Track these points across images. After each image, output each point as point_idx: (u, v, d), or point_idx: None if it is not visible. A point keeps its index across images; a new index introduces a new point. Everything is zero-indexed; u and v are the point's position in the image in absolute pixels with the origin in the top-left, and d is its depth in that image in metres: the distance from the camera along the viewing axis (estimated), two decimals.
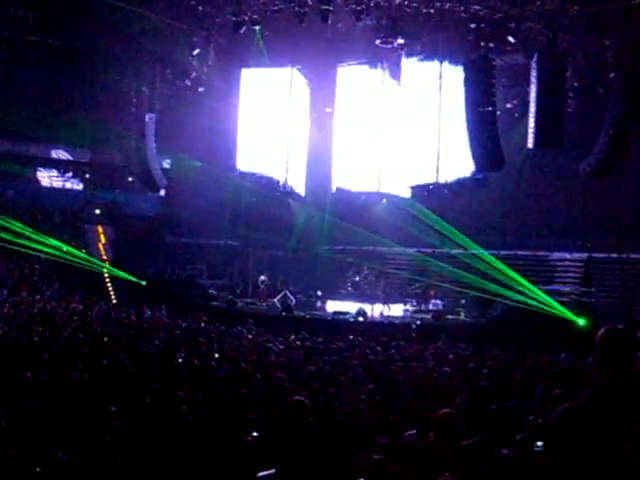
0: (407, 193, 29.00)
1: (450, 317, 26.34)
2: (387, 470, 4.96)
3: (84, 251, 33.49)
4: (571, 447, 3.18)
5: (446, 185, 26.47)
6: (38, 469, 6.00)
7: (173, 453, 6.89)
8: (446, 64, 25.56)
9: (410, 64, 27.33)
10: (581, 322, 22.28)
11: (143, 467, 6.64)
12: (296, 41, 27.88)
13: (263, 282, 30.14)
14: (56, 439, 6.97)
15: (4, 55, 30.27)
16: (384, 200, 30.18)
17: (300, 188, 31.67)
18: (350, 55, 28.95)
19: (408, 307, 27.95)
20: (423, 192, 27.98)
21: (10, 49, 29.92)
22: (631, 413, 3.52)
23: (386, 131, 29.19)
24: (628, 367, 3.81)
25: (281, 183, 30.69)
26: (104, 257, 34.93)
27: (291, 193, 31.31)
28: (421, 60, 27.00)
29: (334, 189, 31.14)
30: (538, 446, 4.31)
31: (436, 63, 25.87)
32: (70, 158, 39.76)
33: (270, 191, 31.20)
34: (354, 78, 29.77)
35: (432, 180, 26.33)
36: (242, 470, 6.59)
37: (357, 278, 29.41)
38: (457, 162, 25.26)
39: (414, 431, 7.86)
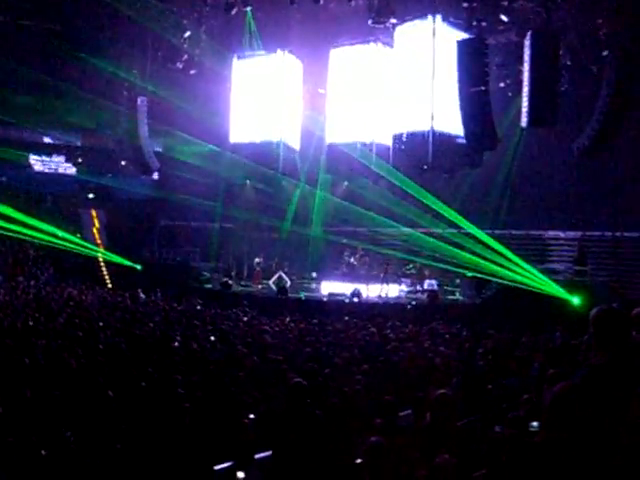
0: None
1: (445, 297, 26.46)
2: (385, 451, 4.98)
3: (78, 236, 33.47)
4: (565, 427, 3.21)
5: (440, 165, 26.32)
6: (43, 452, 6.04)
7: (171, 437, 6.92)
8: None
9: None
10: (576, 301, 22.34)
11: (141, 451, 6.67)
12: (288, 23, 27.74)
13: (258, 264, 30.20)
14: (54, 424, 7.00)
15: None
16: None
17: (294, 169, 31.51)
18: (343, 36, 28.79)
19: (403, 287, 28.02)
20: (417, 171, 27.79)
21: (0, 34, 29.71)
22: (625, 393, 3.54)
23: (379, 108, 29.01)
24: (622, 347, 3.81)
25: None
26: (98, 241, 34.93)
27: (285, 174, 31.17)
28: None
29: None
30: (534, 426, 4.34)
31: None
32: (62, 142, 39.67)
33: (265, 169, 31.02)
34: (347, 58, 29.54)
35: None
36: (240, 452, 6.62)
37: (352, 259, 29.43)
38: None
39: (410, 411, 7.91)
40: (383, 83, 28.74)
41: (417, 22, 26.32)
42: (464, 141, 24.11)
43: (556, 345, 13.31)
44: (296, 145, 31.04)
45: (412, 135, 26.56)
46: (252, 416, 7.77)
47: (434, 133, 25.34)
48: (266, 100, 30.37)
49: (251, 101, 30.84)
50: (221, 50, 29.41)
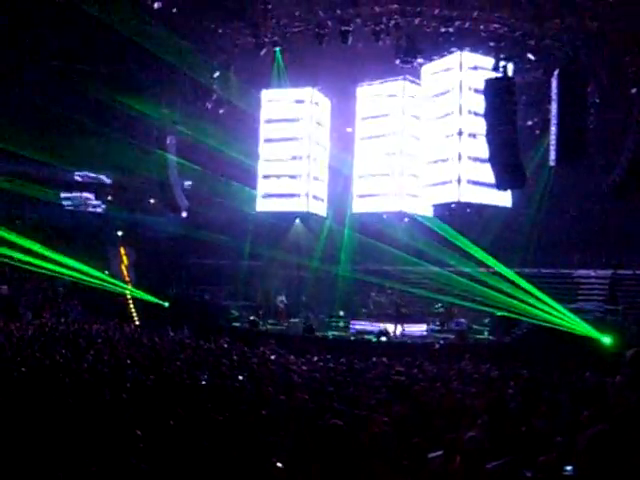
0: (429, 212, 28.89)
1: (474, 336, 26.21)
2: None
3: (107, 273, 33.70)
4: (601, 472, 3.13)
5: (469, 204, 26.36)
6: None
7: (198, 477, 6.86)
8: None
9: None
10: (606, 340, 22.04)
11: None
12: (316, 62, 28.00)
13: (282, 302, 30.19)
14: (82, 462, 6.97)
15: (25, 80, 30.62)
16: (406, 219, 30.12)
17: (322, 208, 31.65)
18: (370, 75, 29.06)
19: (431, 326, 27.81)
20: (445, 211, 27.86)
21: (33, 74, 30.27)
22: None
23: (406, 147, 29.19)
24: None
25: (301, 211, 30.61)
26: (127, 279, 35.14)
27: (312, 215, 31.30)
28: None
29: (355, 209, 31.13)
30: (567, 470, 4.24)
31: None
32: (92, 180, 40.14)
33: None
34: (374, 96, 29.81)
35: (454, 199, 26.16)
36: None
37: (379, 298, 29.30)
38: (479, 178, 25.16)
39: (439, 453, 7.78)
40: (409, 125, 29.03)
41: (444, 56, 26.56)
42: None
43: (587, 386, 13.09)
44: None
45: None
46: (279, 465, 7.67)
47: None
48: (294, 139, 30.58)
49: (279, 139, 31.04)
50: (250, 89, 29.74)
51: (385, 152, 29.79)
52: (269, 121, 30.99)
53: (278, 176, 30.80)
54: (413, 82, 28.63)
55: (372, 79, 29.37)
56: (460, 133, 25.83)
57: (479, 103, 23.40)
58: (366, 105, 30.25)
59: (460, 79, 25.92)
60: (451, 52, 26.05)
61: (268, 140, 31.16)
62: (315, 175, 30.80)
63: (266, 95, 30.65)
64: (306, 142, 30.35)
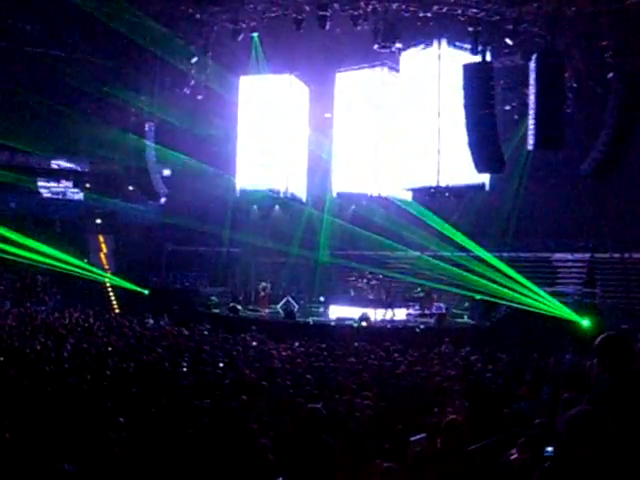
0: (408, 196, 28.98)
1: (453, 320, 26.35)
2: (396, 477, 4.93)
3: (86, 261, 33.52)
4: (581, 453, 3.17)
5: (447, 188, 26.45)
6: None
7: (180, 463, 6.87)
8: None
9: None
10: (585, 323, 22.24)
11: (150, 477, 6.63)
12: (294, 48, 27.87)
13: (264, 289, 30.14)
14: (62, 451, 6.96)
15: (2, 67, 30.27)
16: (385, 204, 30.17)
17: (301, 193, 31.64)
18: (348, 60, 28.99)
19: (411, 311, 27.89)
20: (424, 195, 27.95)
21: (8, 61, 29.93)
22: (636, 417, 3.53)
23: (385, 133, 29.25)
24: (627, 370, 3.83)
25: (282, 192, 30.62)
26: (106, 267, 34.98)
27: (292, 199, 31.28)
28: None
29: (335, 194, 31.14)
30: (548, 451, 4.28)
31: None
32: (70, 168, 39.83)
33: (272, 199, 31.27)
34: (353, 82, 29.80)
35: (433, 183, 26.27)
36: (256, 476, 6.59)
37: (359, 283, 29.33)
38: (458, 163, 25.21)
39: (420, 436, 7.84)
40: (389, 114, 29.09)
41: (423, 47, 26.60)
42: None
43: (566, 368, 13.23)
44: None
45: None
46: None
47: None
48: (273, 125, 30.49)
49: (258, 125, 30.93)
50: (228, 75, 29.57)
51: (364, 137, 29.81)
52: (248, 106, 30.88)
53: (257, 161, 30.74)
54: (392, 69, 28.62)
55: (351, 65, 29.30)
56: (439, 117, 25.87)
57: (458, 88, 23.43)
58: (345, 91, 30.21)
59: (439, 64, 25.95)
60: (430, 41, 26.08)
61: (247, 125, 31.06)
62: (294, 160, 30.78)
63: (244, 82, 30.51)
64: (285, 127, 30.29)
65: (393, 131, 29.00)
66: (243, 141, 31.06)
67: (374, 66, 28.79)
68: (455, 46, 25.57)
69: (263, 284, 30.27)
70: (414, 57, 27.25)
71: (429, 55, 26.41)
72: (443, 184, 26.15)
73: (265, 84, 30.26)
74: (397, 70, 28.33)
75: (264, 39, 27.85)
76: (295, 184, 31.06)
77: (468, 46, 24.64)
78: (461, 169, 25.41)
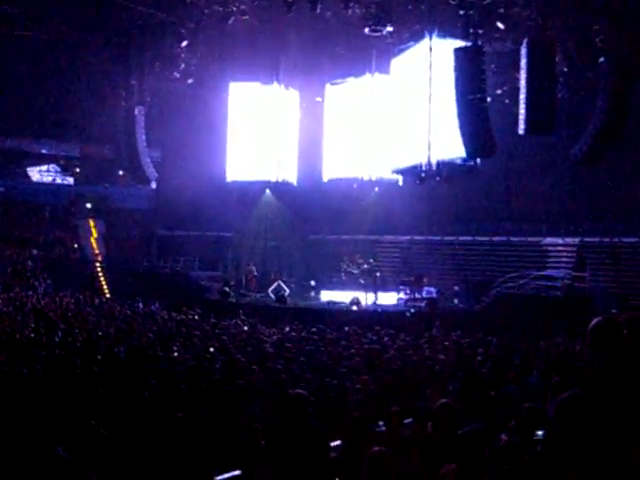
0: (399, 180, 28.95)
1: (444, 304, 26.41)
2: (387, 461, 4.95)
3: (76, 246, 33.43)
4: (571, 437, 3.19)
5: (438, 172, 26.42)
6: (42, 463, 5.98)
7: (171, 447, 6.87)
8: (435, 38, 25.51)
9: (400, 59, 27.40)
10: (574, 306, 22.31)
11: (141, 462, 6.63)
12: (285, 32, 27.75)
13: (251, 272, 30.16)
14: (54, 436, 6.95)
15: None
16: (376, 188, 30.19)
17: (292, 178, 31.62)
18: (339, 45, 28.91)
19: (402, 295, 27.93)
20: (415, 179, 27.92)
21: None
22: (626, 400, 3.55)
23: (377, 117, 29.23)
24: (617, 355, 3.85)
25: (273, 177, 30.62)
26: (96, 251, 34.89)
27: (283, 184, 31.26)
28: (408, 43, 26.93)
29: (325, 178, 31.14)
30: (538, 435, 4.30)
31: (426, 41, 25.78)
32: (60, 153, 39.66)
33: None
34: (343, 69, 29.79)
35: (424, 165, 26.23)
36: (238, 463, 6.59)
37: (350, 267, 29.35)
38: (449, 148, 25.17)
39: (411, 420, 7.87)
40: (380, 100, 29.15)
41: (413, 43, 26.55)
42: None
43: (556, 353, 13.28)
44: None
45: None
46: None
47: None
48: (263, 110, 30.46)
49: (248, 111, 30.89)
50: (218, 59, 29.44)
51: (355, 121, 29.78)
52: (237, 91, 30.83)
53: (248, 145, 30.70)
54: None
55: (341, 49, 29.24)
56: (430, 102, 25.83)
57: (449, 76, 23.37)
58: (336, 73, 30.18)
59: (430, 55, 25.92)
60: (420, 35, 26.06)
61: (238, 109, 30.98)
62: (285, 144, 30.74)
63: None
64: (276, 111, 30.24)
65: (384, 114, 28.98)
66: (234, 125, 30.97)
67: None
68: (445, 36, 25.46)
69: (250, 268, 30.33)
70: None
71: (418, 52, 26.37)
72: (434, 169, 26.11)
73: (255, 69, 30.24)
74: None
75: (254, 23, 27.68)
76: (286, 169, 31.03)
77: (459, 39, 24.53)
78: (452, 153, 25.36)
